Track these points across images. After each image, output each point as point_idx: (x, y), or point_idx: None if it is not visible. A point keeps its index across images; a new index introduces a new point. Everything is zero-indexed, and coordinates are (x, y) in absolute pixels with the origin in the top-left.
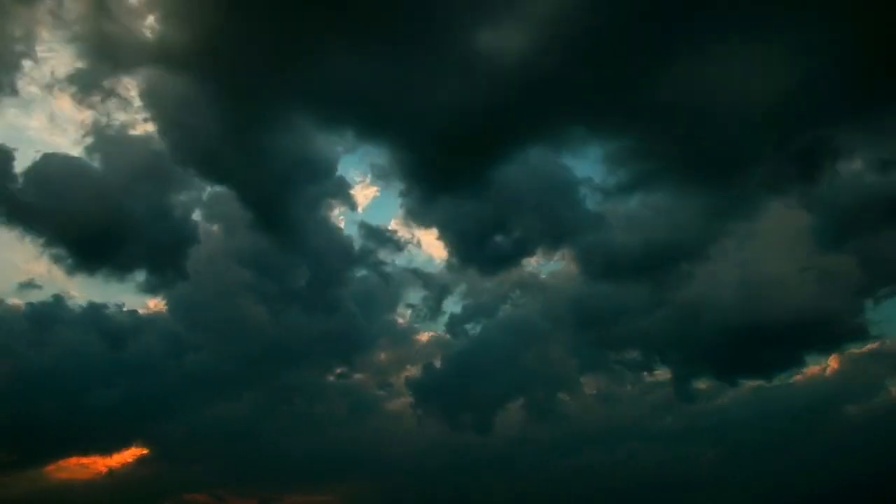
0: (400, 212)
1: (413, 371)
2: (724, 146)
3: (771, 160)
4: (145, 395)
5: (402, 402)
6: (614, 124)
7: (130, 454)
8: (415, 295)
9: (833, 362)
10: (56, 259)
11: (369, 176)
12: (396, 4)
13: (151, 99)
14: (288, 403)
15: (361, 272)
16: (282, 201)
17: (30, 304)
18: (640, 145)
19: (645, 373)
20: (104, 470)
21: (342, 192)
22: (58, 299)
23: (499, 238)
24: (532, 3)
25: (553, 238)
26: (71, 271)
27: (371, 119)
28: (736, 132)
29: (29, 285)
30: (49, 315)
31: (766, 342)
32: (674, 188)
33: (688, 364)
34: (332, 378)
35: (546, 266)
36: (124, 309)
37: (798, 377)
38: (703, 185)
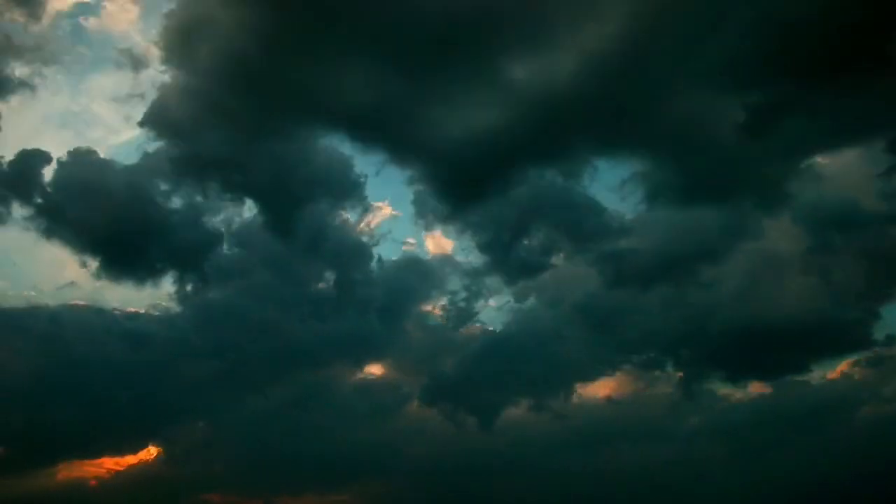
0: (425, 222)
1: (429, 373)
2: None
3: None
4: (160, 396)
5: (416, 402)
6: (629, 149)
7: (144, 455)
8: (431, 301)
9: (846, 366)
10: (82, 262)
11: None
12: (431, 31)
13: (179, 108)
14: (304, 404)
15: (381, 277)
16: (303, 209)
17: (51, 307)
18: (653, 167)
19: (657, 373)
20: (118, 470)
21: (364, 201)
22: (74, 303)
23: (522, 246)
24: (559, 37)
25: (572, 247)
26: (96, 274)
27: (400, 135)
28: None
29: (53, 288)
30: (68, 318)
31: (777, 346)
32: (685, 204)
33: (699, 366)
34: (347, 379)
35: (565, 272)
36: (142, 312)
37: (811, 380)
38: (711, 202)
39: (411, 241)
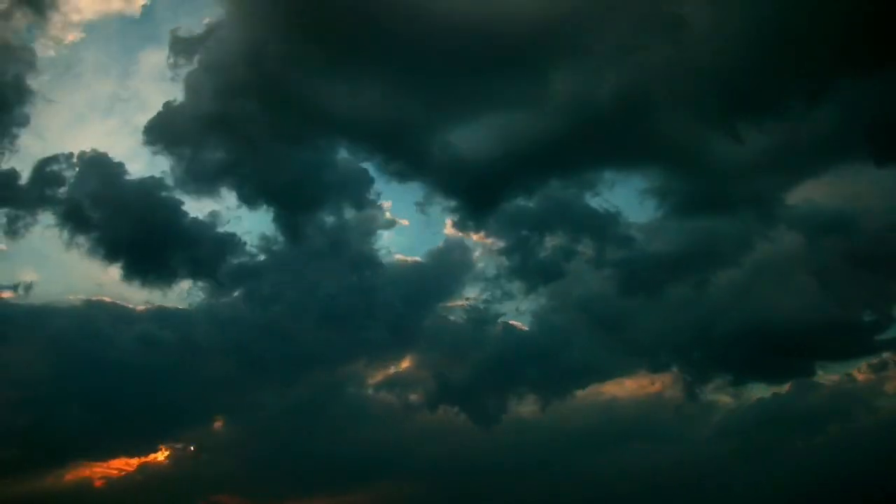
0: (444, 228)
1: (440, 376)
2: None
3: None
4: (171, 398)
5: (427, 404)
6: (641, 165)
7: (154, 457)
8: (448, 304)
9: (855, 370)
10: (101, 266)
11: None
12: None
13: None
14: (316, 406)
15: (394, 282)
16: (321, 216)
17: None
18: (664, 181)
19: (667, 374)
20: (129, 471)
21: (380, 208)
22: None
23: (541, 252)
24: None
25: (589, 253)
26: (109, 274)
27: (421, 144)
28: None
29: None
30: (83, 318)
31: (785, 349)
32: (694, 214)
33: (708, 368)
34: (360, 381)
35: (580, 278)
36: (158, 313)
37: (819, 382)
38: (719, 211)
39: (430, 247)
